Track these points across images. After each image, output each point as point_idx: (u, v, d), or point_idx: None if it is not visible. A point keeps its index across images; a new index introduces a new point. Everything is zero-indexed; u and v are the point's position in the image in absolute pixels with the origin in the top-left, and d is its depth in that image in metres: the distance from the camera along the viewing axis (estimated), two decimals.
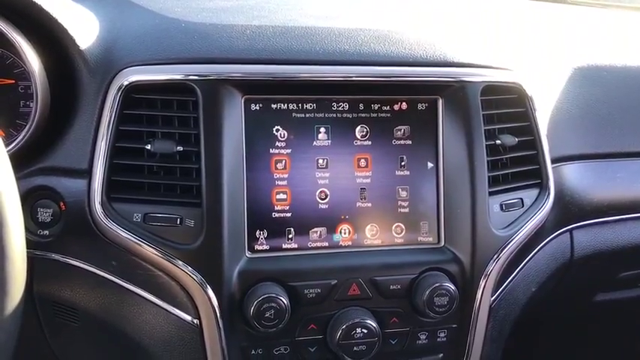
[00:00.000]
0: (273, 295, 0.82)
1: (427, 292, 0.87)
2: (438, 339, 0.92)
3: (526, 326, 1.05)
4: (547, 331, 1.25)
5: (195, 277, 0.83)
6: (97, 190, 0.82)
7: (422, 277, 0.89)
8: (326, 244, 0.89)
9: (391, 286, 0.88)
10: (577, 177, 1.05)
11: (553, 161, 1.00)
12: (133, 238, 0.82)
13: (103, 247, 0.85)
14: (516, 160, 0.97)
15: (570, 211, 1.03)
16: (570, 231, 1.06)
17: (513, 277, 0.98)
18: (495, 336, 0.97)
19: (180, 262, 0.83)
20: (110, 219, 0.82)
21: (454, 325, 0.92)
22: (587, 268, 1.10)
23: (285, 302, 0.83)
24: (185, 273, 0.83)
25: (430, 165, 0.92)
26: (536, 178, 0.98)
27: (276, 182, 0.87)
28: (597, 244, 1.08)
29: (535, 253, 1.01)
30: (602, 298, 1.26)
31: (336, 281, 0.87)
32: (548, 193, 0.97)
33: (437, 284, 0.87)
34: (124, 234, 0.82)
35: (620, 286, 1.24)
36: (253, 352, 0.86)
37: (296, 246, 0.88)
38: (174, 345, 0.87)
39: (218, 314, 0.83)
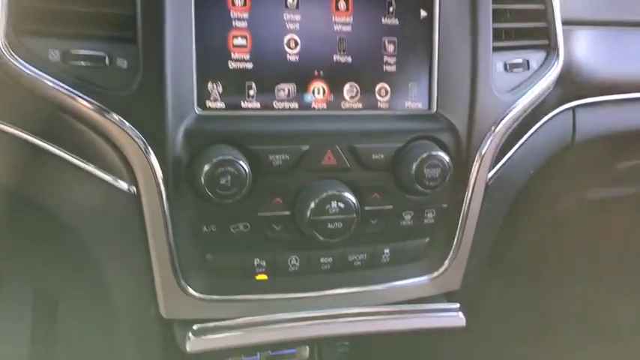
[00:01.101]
0: (230, 157, 0.66)
1: (416, 163, 0.73)
2: (425, 220, 0.78)
3: (515, 221, 0.93)
4: (533, 229, 1.15)
5: (131, 133, 0.66)
6: (1, 21, 0.63)
7: (410, 146, 0.74)
8: (295, 105, 0.73)
9: (373, 156, 0.73)
10: (586, 45, 0.91)
11: (563, 23, 0.85)
12: (48, 81, 0.64)
13: (13, 96, 0.66)
14: (522, 13, 0.81)
15: (575, 84, 0.90)
16: (573, 109, 0.93)
17: (512, 155, 0.84)
18: (489, 221, 0.84)
19: (115, 116, 0.65)
20: (18, 56, 0.64)
21: (444, 205, 0.79)
22: (587, 153, 0.98)
23: (246, 168, 0.67)
24: (119, 128, 0.66)
25: (423, 13, 0.76)
26: (543, 38, 0.83)
27: (234, 23, 0.70)
28: (600, 125, 0.96)
29: (535, 131, 0.87)
30: (594, 195, 1.16)
31: (307, 147, 0.71)
32: (557, 55, 0.83)
33: (427, 154, 0.73)
34: (36, 76, 0.64)
35: (615, 180, 1.13)
36: (205, 228, 0.71)
37: (258, 105, 0.72)
38: (105, 221, 0.71)
39: (160, 180, 0.67)
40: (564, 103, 0.91)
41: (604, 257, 1.27)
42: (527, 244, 1.15)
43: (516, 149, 0.84)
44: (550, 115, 0.89)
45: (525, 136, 0.86)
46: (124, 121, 0.66)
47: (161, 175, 0.67)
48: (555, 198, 1.08)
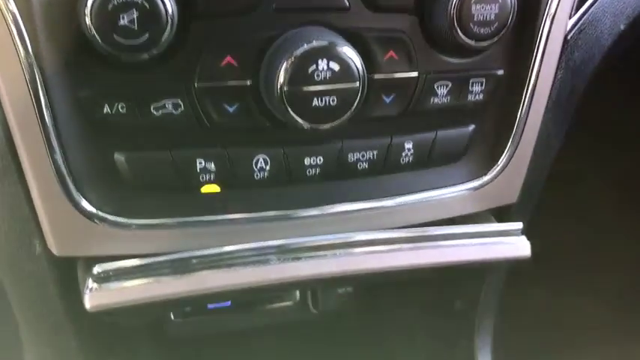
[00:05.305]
0: None
1: None
2: (470, 96, 0.49)
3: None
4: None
5: None
6: None
7: None
8: None
9: None
10: None
11: None
12: None
13: None
14: None
15: None
16: None
17: None
18: (563, 99, 0.55)
19: None
20: None
21: (499, 72, 0.50)
22: None
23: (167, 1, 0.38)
24: None
25: None
26: None
27: None
28: None
29: None
30: None
31: None
32: None
33: None
34: None
35: None
36: (108, 109, 0.42)
37: None
38: None
39: (20, 23, 0.39)
40: None
41: None
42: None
43: None
44: None
45: None
46: None
47: (17, 10, 0.39)
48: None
